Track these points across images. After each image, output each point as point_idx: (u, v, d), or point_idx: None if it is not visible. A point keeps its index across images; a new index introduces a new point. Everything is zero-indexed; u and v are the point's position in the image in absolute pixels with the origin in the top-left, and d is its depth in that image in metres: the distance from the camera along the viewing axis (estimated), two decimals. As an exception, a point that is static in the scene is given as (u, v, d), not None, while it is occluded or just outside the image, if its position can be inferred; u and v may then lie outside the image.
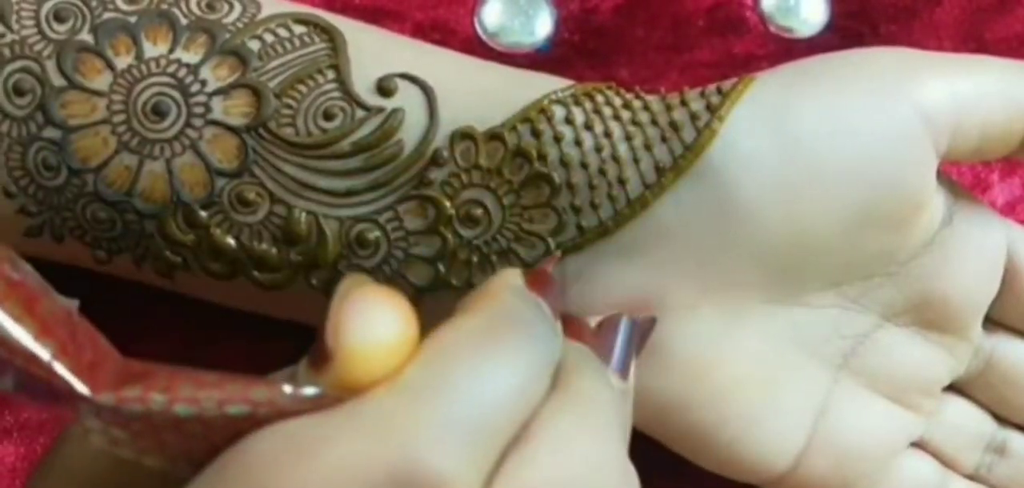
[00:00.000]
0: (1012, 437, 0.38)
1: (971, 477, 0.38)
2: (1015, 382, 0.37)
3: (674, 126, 0.33)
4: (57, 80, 0.33)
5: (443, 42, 0.39)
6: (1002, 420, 0.38)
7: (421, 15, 0.43)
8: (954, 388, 0.37)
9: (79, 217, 0.34)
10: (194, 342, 0.39)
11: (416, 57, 0.35)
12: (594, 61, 0.42)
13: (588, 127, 0.34)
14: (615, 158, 0.33)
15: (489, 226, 0.34)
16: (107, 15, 0.34)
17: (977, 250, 0.36)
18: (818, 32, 0.43)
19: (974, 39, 0.43)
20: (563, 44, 0.43)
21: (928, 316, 0.36)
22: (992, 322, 0.37)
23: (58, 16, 0.34)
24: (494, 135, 0.34)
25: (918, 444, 0.37)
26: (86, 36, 0.34)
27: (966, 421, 0.37)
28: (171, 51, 0.34)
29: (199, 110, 0.33)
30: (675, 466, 0.37)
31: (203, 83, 0.33)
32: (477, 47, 0.42)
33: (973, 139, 0.34)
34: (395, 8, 0.42)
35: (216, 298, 0.36)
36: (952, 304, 0.36)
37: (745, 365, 0.34)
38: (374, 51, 0.35)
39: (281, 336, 0.37)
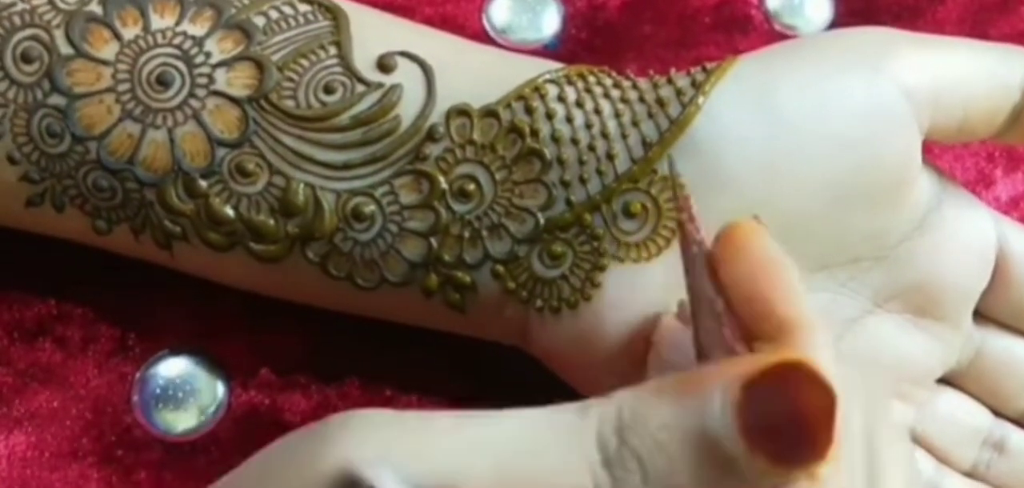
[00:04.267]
0: (1011, 433, 0.37)
1: (970, 474, 0.37)
2: (1007, 371, 0.37)
3: (661, 102, 0.34)
4: (65, 48, 0.34)
5: (452, 38, 0.40)
6: (998, 414, 0.37)
7: (430, 10, 0.43)
8: (947, 383, 0.37)
9: (80, 185, 0.34)
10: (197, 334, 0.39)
11: (416, 37, 0.36)
12: (601, 58, 0.42)
13: (579, 105, 0.34)
14: (604, 134, 0.34)
15: (481, 201, 0.34)
16: None
17: (968, 235, 0.35)
18: (822, 30, 0.43)
19: (978, 37, 0.43)
20: (570, 41, 0.43)
21: (919, 302, 0.36)
22: (982, 317, 0.37)
23: None
24: (489, 112, 0.34)
25: (912, 439, 0.36)
26: (95, 7, 0.34)
27: (959, 413, 0.37)
28: (178, 24, 0.34)
29: (202, 81, 0.34)
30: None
31: (207, 55, 0.34)
32: (485, 43, 0.43)
33: (956, 116, 0.34)
34: (404, 3, 0.43)
35: (214, 275, 0.36)
36: (944, 289, 0.35)
37: None
38: (376, 30, 0.35)
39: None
